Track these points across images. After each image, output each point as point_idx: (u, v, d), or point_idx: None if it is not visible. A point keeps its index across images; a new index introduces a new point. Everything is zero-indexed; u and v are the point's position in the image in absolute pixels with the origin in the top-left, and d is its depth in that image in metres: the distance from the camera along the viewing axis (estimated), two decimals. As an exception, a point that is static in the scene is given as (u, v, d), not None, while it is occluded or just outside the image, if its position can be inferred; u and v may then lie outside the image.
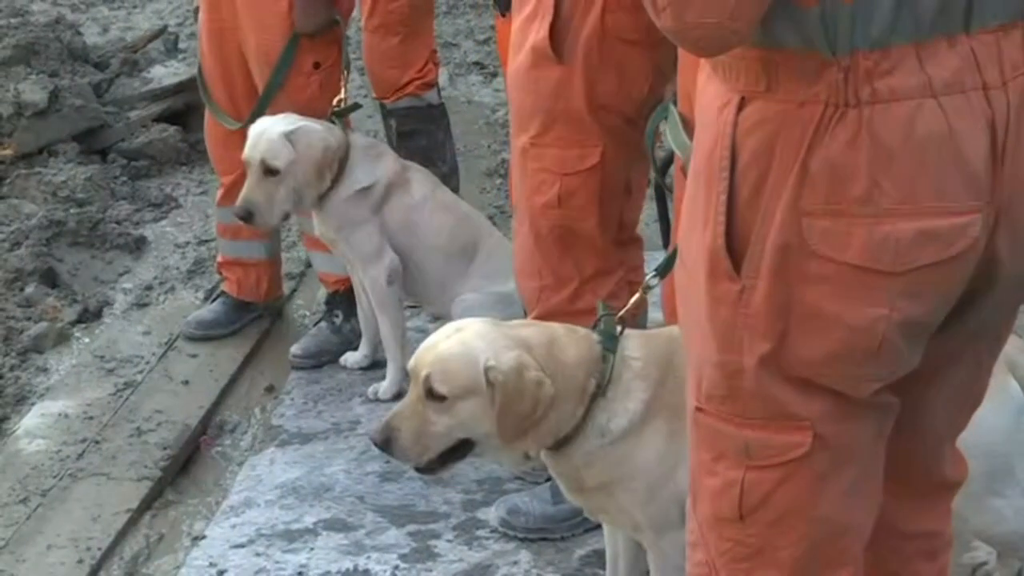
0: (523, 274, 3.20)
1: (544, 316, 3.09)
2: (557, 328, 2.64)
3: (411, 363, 2.59)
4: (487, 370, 2.49)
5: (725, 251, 1.80)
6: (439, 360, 2.53)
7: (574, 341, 2.59)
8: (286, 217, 4.03)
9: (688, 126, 2.70)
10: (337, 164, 3.98)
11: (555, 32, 2.94)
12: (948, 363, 1.95)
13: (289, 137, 3.89)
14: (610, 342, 2.58)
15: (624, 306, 2.63)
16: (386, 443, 2.56)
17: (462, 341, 2.54)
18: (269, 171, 3.89)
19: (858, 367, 1.81)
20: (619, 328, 2.61)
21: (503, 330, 2.57)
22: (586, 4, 2.94)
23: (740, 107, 1.79)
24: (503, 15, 3.53)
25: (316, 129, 3.96)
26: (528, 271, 3.18)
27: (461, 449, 2.60)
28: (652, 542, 2.70)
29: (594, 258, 3.12)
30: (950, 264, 1.76)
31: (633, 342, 2.62)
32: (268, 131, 3.91)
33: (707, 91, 1.87)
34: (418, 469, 2.64)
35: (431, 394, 2.53)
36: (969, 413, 2.08)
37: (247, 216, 3.92)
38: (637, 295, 2.65)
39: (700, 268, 1.85)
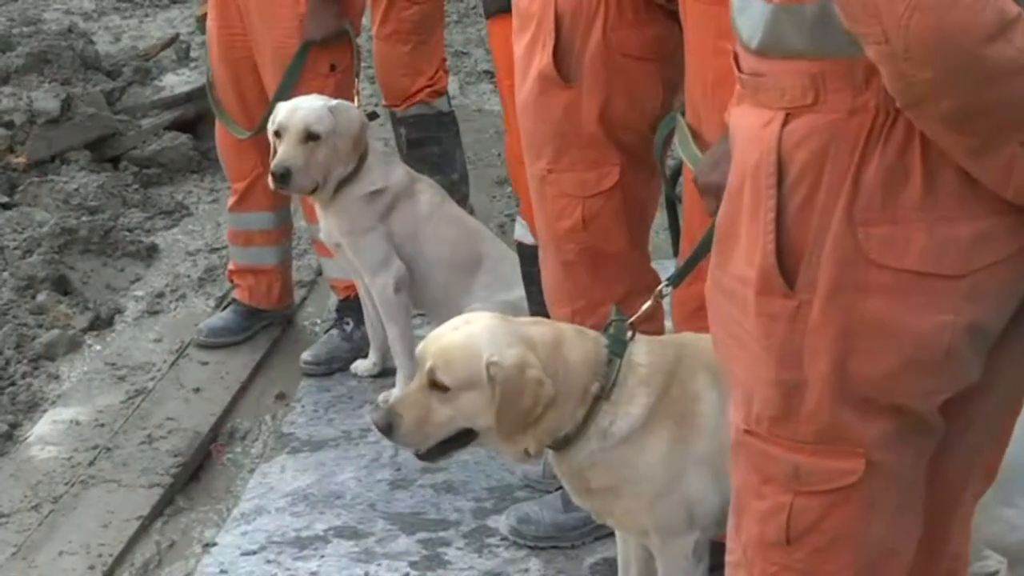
0: (554, 303, 3.18)
1: None
2: (566, 328, 2.65)
3: (418, 350, 2.63)
4: (488, 365, 2.52)
5: (777, 268, 1.76)
6: (444, 351, 2.56)
7: (581, 343, 2.60)
8: (313, 190, 3.97)
9: (697, 137, 2.71)
10: (359, 156, 3.99)
11: (559, 56, 2.92)
12: (994, 378, 1.90)
13: (331, 108, 3.91)
14: (618, 346, 2.59)
15: (653, 322, 2.63)
16: (388, 428, 2.58)
17: (468, 334, 2.57)
18: (310, 136, 3.87)
19: (925, 379, 1.78)
20: (629, 334, 2.61)
21: (510, 326, 2.59)
22: (586, 24, 2.91)
23: (785, 123, 1.76)
24: (488, 17, 3.53)
25: (353, 107, 4.00)
26: (559, 299, 3.16)
27: (462, 439, 2.63)
28: (659, 547, 2.70)
29: (626, 277, 3.09)
30: (1009, 263, 1.73)
31: (641, 348, 2.63)
32: (307, 102, 3.91)
33: (743, 113, 1.85)
34: (419, 455, 2.67)
35: (434, 384, 2.56)
36: (1010, 429, 2.03)
37: (285, 175, 3.84)
38: (649, 302, 2.65)
39: (748, 288, 1.80)
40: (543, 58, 2.93)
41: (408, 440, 2.61)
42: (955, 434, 1.91)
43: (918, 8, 1.57)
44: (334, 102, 3.94)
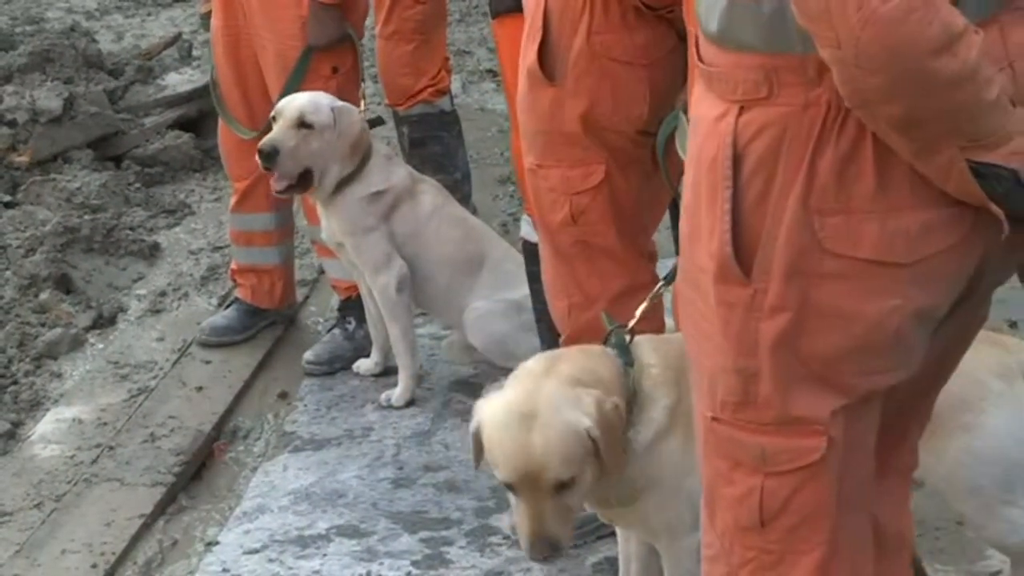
0: (553, 295, 3.19)
1: (575, 335, 3.08)
2: (573, 352, 2.60)
3: (507, 476, 2.46)
4: (587, 434, 2.44)
5: (733, 257, 1.82)
6: (548, 454, 2.43)
7: (599, 360, 2.56)
8: (306, 185, 3.99)
9: None
10: (360, 159, 4.00)
11: (544, 53, 2.93)
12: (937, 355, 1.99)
13: (333, 107, 3.94)
14: (625, 355, 2.57)
15: (652, 321, 2.62)
16: (555, 550, 2.49)
17: (547, 424, 2.43)
18: (303, 123, 3.91)
19: (875, 360, 1.84)
20: (628, 338, 2.59)
21: (552, 384, 2.48)
22: (572, 25, 2.91)
23: (739, 115, 1.80)
24: (494, 17, 3.54)
25: (356, 112, 4.02)
26: (556, 291, 3.17)
27: None
28: (666, 547, 2.69)
29: (622, 274, 3.09)
30: (953, 251, 1.80)
31: (647, 348, 2.61)
32: (311, 95, 3.95)
33: (701, 105, 1.89)
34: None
35: (561, 485, 2.45)
36: (931, 406, 2.12)
37: (271, 154, 3.87)
38: (644, 304, 2.64)
39: (707, 277, 1.86)
40: (530, 54, 2.94)
41: (566, 547, 2.52)
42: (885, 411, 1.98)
43: (870, 21, 1.63)
44: (340, 103, 3.97)
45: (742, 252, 1.82)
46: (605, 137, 2.98)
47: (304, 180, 3.98)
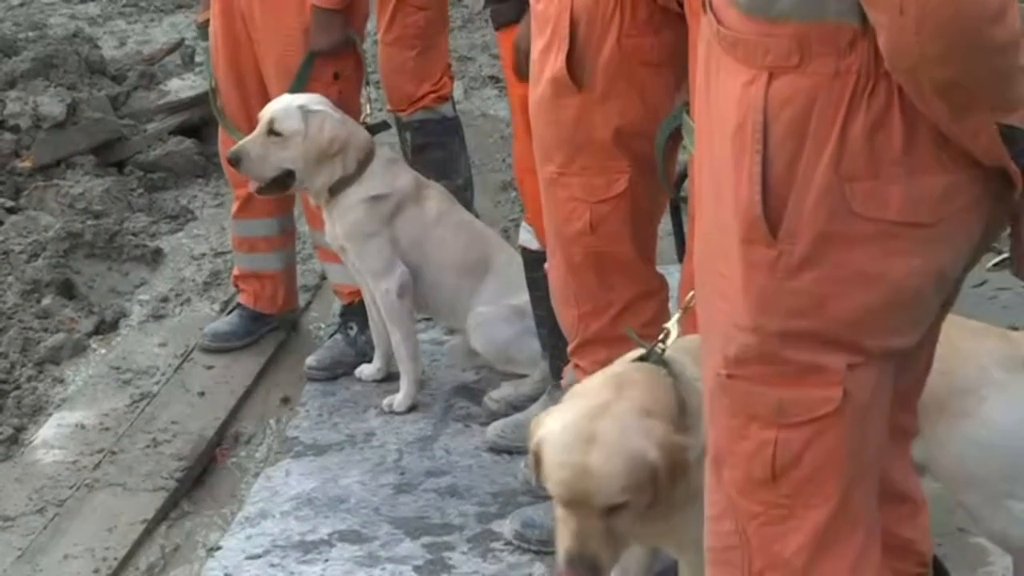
0: (561, 305, 3.17)
1: (585, 344, 3.08)
2: (640, 375, 2.48)
3: (559, 492, 2.39)
4: (652, 463, 2.37)
5: (763, 218, 1.87)
6: (610, 476, 2.35)
7: (664, 388, 2.47)
8: (284, 185, 4.03)
9: None
10: (356, 165, 4.01)
11: (573, 61, 2.91)
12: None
13: (305, 111, 3.95)
14: (669, 370, 2.49)
15: (663, 328, 2.59)
16: (594, 574, 2.39)
17: (613, 446, 2.36)
18: (273, 132, 3.95)
19: (895, 320, 1.91)
20: (661, 349, 2.53)
21: (624, 406, 2.40)
22: (602, 30, 2.90)
23: (769, 82, 1.85)
24: (497, 29, 3.53)
25: (335, 119, 3.99)
26: (565, 300, 3.15)
27: None
28: (693, 560, 2.62)
29: (633, 282, 3.09)
30: (970, 210, 1.88)
31: (685, 361, 2.51)
32: (289, 100, 3.99)
33: (719, 71, 1.92)
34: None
35: (614, 508, 2.38)
36: (929, 364, 2.19)
37: (236, 160, 3.97)
38: (678, 315, 2.59)
39: (731, 237, 1.90)
40: (557, 62, 2.92)
41: (608, 569, 2.44)
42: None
43: None
44: (316, 107, 3.96)
45: (769, 214, 1.87)
46: (632, 144, 2.98)
47: (281, 181, 4.02)
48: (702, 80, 1.99)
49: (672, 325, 2.57)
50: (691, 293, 2.61)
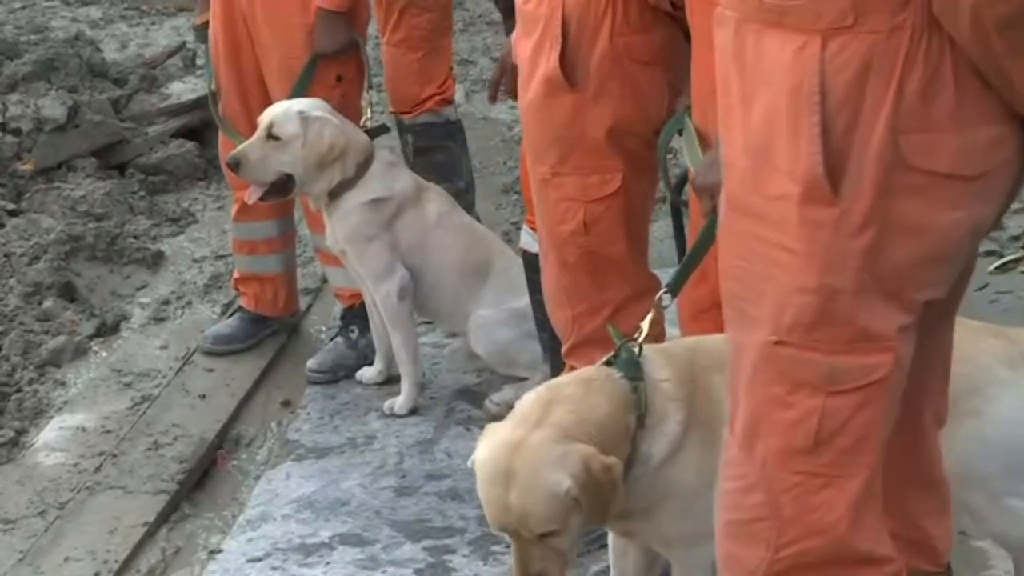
0: (555, 306, 3.18)
1: (580, 344, 3.08)
2: (573, 388, 2.52)
3: (494, 524, 2.46)
4: (566, 493, 2.40)
5: (825, 178, 1.89)
6: (526, 513, 2.41)
7: (599, 392, 2.50)
8: (285, 191, 4.03)
9: (703, 139, 2.71)
10: (355, 168, 4.01)
11: (565, 59, 2.91)
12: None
13: (304, 116, 3.95)
14: (634, 370, 2.52)
15: (654, 329, 2.60)
16: None
17: (526, 484, 2.39)
18: (272, 136, 3.96)
19: (938, 271, 1.97)
20: (638, 351, 2.55)
21: (538, 438, 2.43)
22: (594, 28, 2.90)
23: (824, 45, 1.87)
24: (508, 35, 3.53)
25: (334, 124, 3.99)
26: (558, 301, 3.16)
27: None
28: (681, 557, 2.65)
29: (626, 283, 3.09)
30: (1011, 163, 1.93)
31: (657, 362, 2.56)
32: (289, 104, 4.00)
33: (762, 44, 1.93)
34: None
35: (544, 535, 2.44)
36: (950, 338, 2.24)
37: (235, 164, 3.99)
38: (650, 314, 2.62)
39: (789, 202, 1.91)
40: (549, 61, 2.92)
41: None
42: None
43: None
44: (315, 112, 3.97)
45: (830, 172, 1.90)
46: (625, 142, 2.98)
47: (281, 186, 4.02)
48: (728, 63, 1.99)
49: (646, 324, 2.59)
50: (663, 290, 2.64)
